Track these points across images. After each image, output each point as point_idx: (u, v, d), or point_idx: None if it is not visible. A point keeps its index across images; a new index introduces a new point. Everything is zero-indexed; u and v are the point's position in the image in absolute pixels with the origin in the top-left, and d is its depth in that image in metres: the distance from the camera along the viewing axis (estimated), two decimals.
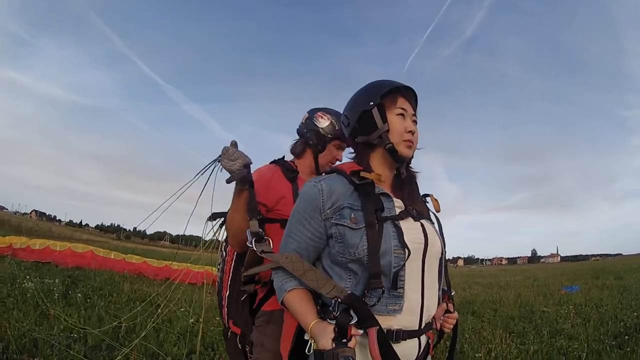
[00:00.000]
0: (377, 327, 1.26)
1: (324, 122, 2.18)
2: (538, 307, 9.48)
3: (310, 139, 2.19)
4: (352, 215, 1.39)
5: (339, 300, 1.30)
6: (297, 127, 2.28)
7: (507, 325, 7.51)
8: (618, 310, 8.48)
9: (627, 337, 5.93)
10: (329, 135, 2.17)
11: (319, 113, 2.21)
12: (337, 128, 2.16)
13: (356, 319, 1.26)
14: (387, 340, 1.29)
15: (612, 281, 16.57)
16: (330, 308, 1.32)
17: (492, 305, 10.35)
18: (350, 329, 1.24)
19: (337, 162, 2.22)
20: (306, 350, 1.36)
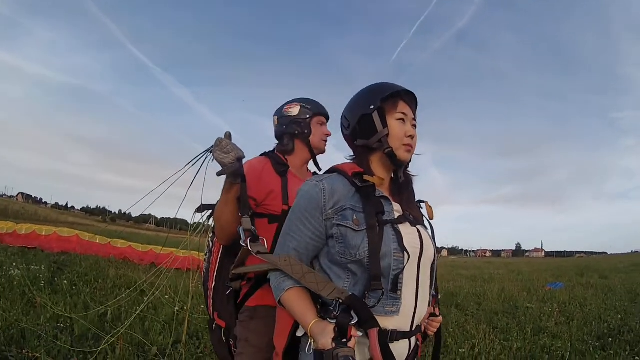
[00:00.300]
0: (378, 328, 1.27)
1: (295, 110, 2.20)
2: (522, 303, 9.55)
3: (293, 130, 2.19)
4: (355, 217, 1.40)
5: (341, 301, 1.31)
6: (274, 133, 2.29)
7: (491, 320, 7.57)
8: (602, 310, 8.55)
9: (610, 339, 5.98)
10: (307, 116, 2.18)
11: (285, 107, 2.23)
12: (309, 107, 2.20)
13: (356, 320, 1.27)
14: (386, 341, 1.31)
15: (596, 280, 16.69)
16: (331, 308, 1.32)
17: (476, 298, 10.42)
18: (351, 329, 1.26)
19: (327, 137, 2.24)
20: (306, 350, 1.37)
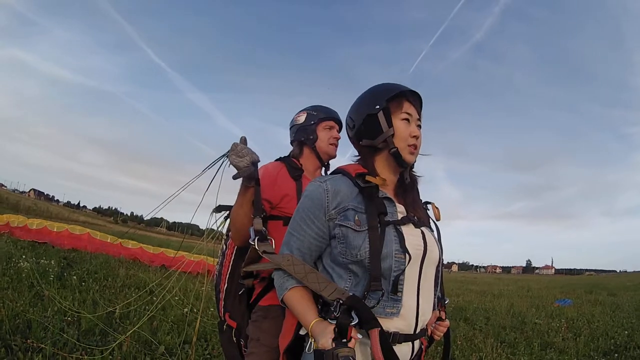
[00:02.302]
0: (379, 329, 1.27)
1: (302, 118, 2.29)
2: (530, 319, 9.48)
3: (300, 136, 2.26)
4: (356, 218, 1.41)
5: (341, 301, 1.31)
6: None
7: (499, 334, 7.52)
8: (609, 327, 8.48)
9: (616, 354, 5.96)
10: (312, 122, 2.24)
11: (295, 116, 2.33)
12: (315, 113, 2.26)
13: (357, 320, 1.27)
14: (388, 341, 1.31)
15: (605, 297, 16.58)
16: (332, 308, 1.32)
17: (485, 313, 10.35)
18: (351, 330, 1.26)
19: (336, 140, 2.29)
20: (306, 349, 1.38)
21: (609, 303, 13.82)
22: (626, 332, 7.75)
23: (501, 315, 10.11)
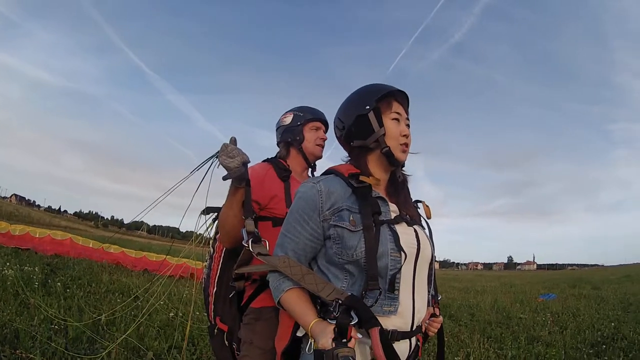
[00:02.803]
0: (380, 327, 1.28)
1: (288, 119, 2.28)
2: (515, 314, 9.61)
3: (287, 138, 2.26)
4: (351, 218, 1.41)
5: (340, 301, 1.31)
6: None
7: (485, 330, 7.60)
8: (595, 319, 8.63)
9: (604, 346, 6.06)
10: (298, 123, 2.24)
11: (281, 117, 2.33)
12: (301, 114, 2.26)
13: (356, 320, 1.27)
14: (388, 340, 1.31)
15: (589, 291, 16.86)
16: (331, 308, 1.32)
17: (469, 309, 10.46)
18: (351, 330, 1.26)
19: (323, 141, 2.29)
20: (306, 350, 1.37)
21: (594, 296, 14.07)
22: (612, 324, 7.89)
23: (486, 311, 10.23)
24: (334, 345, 1.23)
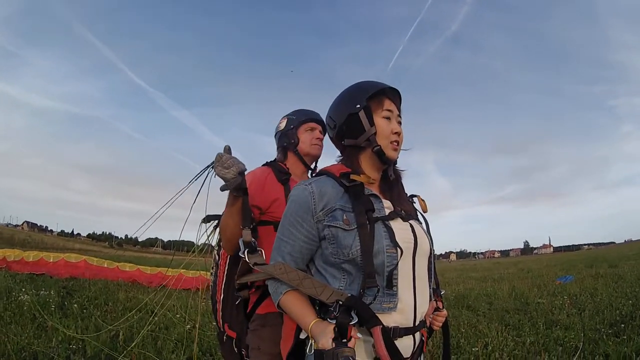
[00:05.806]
0: (381, 326, 1.28)
1: (282, 124, 2.32)
2: (533, 299, 9.51)
3: (282, 142, 2.29)
4: (345, 217, 1.41)
5: (341, 303, 1.32)
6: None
7: (502, 318, 7.54)
8: (613, 298, 8.51)
9: (623, 325, 5.98)
10: (292, 126, 2.27)
11: (277, 124, 2.36)
12: (294, 117, 2.29)
13: (356, 320, 1.28)
14: (391, 338, 1.32)
15: (606, 269, 16.66)
16: (331, 309, 1.32)
17: (487, 298, 10.36)
18: (351, 329, 1.26)
19: (319, 141, 2.29)
20: (307, 350, 1.37)
21: (611, 275, 13.89)
22: (630, 301, 7.80)
23: (503, 299, 10.14)
24: (334, 345, 1.23)
